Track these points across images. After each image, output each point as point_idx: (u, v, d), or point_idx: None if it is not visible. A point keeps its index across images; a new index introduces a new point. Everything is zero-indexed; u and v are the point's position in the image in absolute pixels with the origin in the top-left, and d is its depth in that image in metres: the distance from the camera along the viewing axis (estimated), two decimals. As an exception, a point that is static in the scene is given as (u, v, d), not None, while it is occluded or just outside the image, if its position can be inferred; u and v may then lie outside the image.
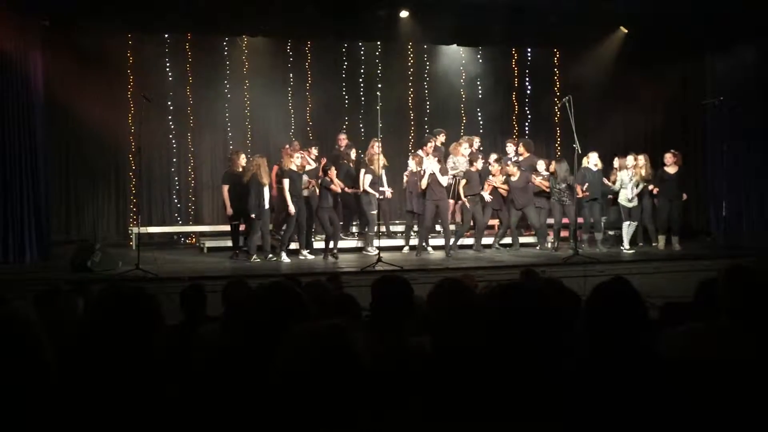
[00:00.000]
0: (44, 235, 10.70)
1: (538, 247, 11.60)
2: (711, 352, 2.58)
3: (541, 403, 1.95)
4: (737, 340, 2.65)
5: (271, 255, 10.44)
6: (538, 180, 11.33)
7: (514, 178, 11.37)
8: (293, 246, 10.80)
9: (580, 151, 10.61)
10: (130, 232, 12.53)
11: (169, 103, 13.38)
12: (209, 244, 11.92)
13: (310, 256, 10.78)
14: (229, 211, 10.66)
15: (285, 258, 10.46)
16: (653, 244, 11.51)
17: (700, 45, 12.49)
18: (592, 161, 11.41)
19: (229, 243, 11.30)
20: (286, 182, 10.42)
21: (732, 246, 11.01)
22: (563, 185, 11.21)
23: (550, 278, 4.82)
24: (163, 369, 2.11)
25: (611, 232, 11.75)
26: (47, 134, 11.14)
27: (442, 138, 12.13)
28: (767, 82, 11.91)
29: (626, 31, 12.64)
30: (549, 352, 2.06)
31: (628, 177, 11.31)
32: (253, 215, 10.25)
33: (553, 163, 11.48)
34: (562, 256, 10.60)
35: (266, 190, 10.31)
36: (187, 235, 13.48)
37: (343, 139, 12.30)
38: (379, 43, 14.13)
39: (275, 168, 11.06)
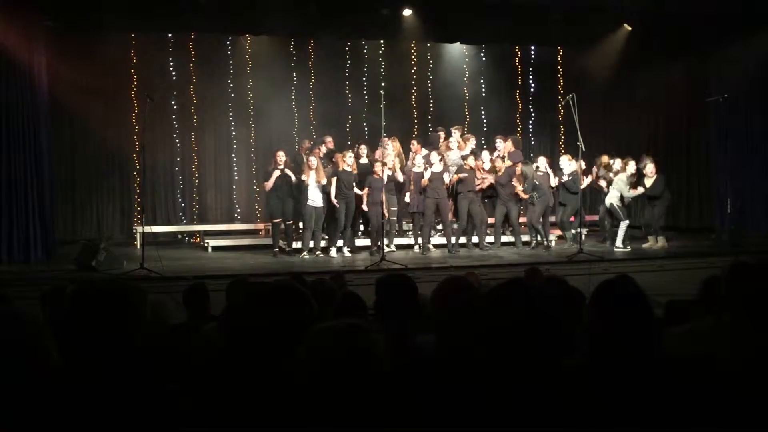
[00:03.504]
0: (49, 234, 10.72)
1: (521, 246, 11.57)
2: (715, 349, 2.58)
3: (545, 403, 1.95)
4: (741, 338, 2.65)
5: (318, 252, 10.77)
6: (517, 187, 11.37)
7: (499, 173, 11.39)
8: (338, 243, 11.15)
9: (584, 149, 10.61)
10: (134, 231, 12.55)
11: (173, 102, 13.41)
12: (213, 243, 11.93)
13: (350, 254, 11.01)
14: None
15: (334, 254, 10.80)
16: (642, 246, 11.50)
17: (705, 42, 12.46)
18: (563, 164, 11.51)
19: (234, 242, 11.26)
20: (333, 180, 10.73)
21: (736, 243, 10.99)
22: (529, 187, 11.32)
23: (554, 276, 4.82)
24: (157, 364, 2.11)
25: (573, 231, 11.71)
26: (51, 134, 11.15)
27: (443, 135, 12.28)
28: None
29: (630, 28, 12.61)
30: (553, 350, 2.06)
31: (624, 178, 11.31)
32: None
33: (520, 164, 11.50)
34: (545, 253, 10.88)
35: (312, 189, 10.51)
36: (191, 234, 13.49)
37: (330, 142, 12.23)
38: (382, 41, 14.11)
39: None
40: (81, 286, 2.12)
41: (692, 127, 14.04)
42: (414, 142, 12.13)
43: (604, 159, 12.06)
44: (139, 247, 10.93)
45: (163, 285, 8.02)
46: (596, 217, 12.55)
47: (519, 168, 11.42)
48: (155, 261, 9.15)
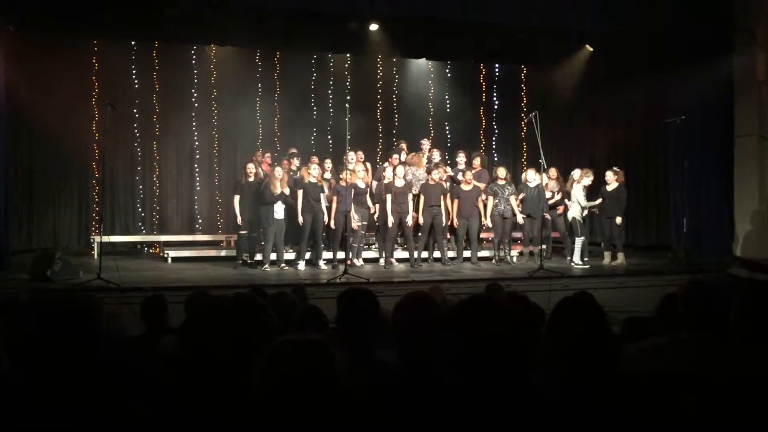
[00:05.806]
0: (2, 243, 10.45)
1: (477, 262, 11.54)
2: (672, 366, 2.62)
3: (507, 419, 1.95)
4: (697, 354, 2.69)
5: (283, 265, 10.63)
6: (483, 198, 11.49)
7: (467, 188, 11.45)
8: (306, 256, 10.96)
9: (546, 167, 10.74)
10: (92, 240, 12.32)
11: (135, 111, 13.24)
12: (173, 253, 11.76)
13: (324, 267, 10.85)
14: (239, 221, 10.67)
15: (301, 267, 10.68)
16: (602, 262, 11.63)
17: (665, 64, 12.72)
18: (530, 177, 11.61)
19: (194, 253, 11.13)
20: (299, 193, 10.62)
21: (692, 262, 11.21)
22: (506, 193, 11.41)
23: (515, 292, 4.86)
24: (116, 376, 2.06)
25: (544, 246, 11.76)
26: (8, 140, 10.88)
27: (405, 148, 12.42)
28: (728, 101, 12.19)
29: (591, 49, 12.86)
30: (514, 366, 2.06)
31: (581, 191, 11.42)
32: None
33: (500, 169, 11.63)
34: (507, 268, 10.96)
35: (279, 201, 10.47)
36: (150, 244, 13.29)
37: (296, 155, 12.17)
38: (348, 55, 14.15)
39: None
40: (35, 297, 2.07)
41: (651, 147, 14.30)
42: (396, 156, 12.08)
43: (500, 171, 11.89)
44: (96, 256, 10.73)
45: (121, 296, 7.86)
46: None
47: (500, 170, 11.56)
48: (113, 271, 8.98)
